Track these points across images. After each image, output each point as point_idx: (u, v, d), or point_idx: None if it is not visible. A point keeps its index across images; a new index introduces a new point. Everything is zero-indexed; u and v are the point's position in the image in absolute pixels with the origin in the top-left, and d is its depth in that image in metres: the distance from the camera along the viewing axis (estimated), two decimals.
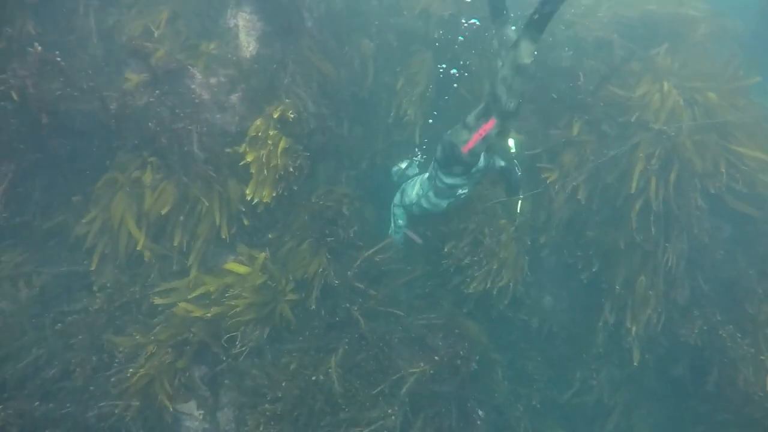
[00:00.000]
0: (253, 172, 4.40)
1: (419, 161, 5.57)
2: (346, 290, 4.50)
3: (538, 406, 5.18)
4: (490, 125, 4.19)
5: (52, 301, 4.30)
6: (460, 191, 4.79)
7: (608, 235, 5.16)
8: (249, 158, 4.37)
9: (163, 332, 4.22)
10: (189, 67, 4.64)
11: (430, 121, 5.83)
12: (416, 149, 5.65)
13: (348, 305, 4.44)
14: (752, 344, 4.71)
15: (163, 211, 4.29)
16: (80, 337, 4.18)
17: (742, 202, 5.00)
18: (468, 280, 4.84)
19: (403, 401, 4.13)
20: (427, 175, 4.94)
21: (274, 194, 4.42)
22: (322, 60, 5.20)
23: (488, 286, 4.79)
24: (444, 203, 4.90)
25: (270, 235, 4.63)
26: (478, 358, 4.60)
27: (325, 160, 5.33)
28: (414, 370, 4.21)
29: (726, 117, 5.05)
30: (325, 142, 5.15)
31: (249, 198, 4.38)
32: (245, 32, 5.01)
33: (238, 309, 4.17)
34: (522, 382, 5.36)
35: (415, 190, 5.02)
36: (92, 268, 4.29)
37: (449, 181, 4.64)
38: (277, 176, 4.40)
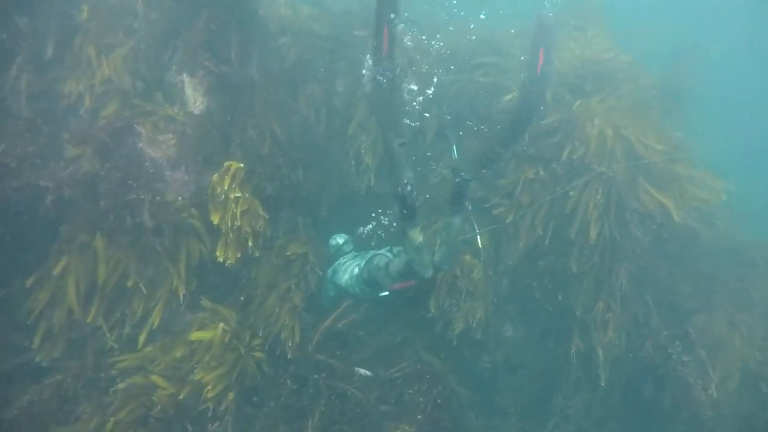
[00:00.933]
0: (223, 232, 4.32)
1: (357, 236, 5.68)
2: (310, 363, 4.48)
3: None
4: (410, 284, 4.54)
5: None
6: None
7: (562, 263, 5.43)
8: (214, 220, 4.25)
9: (122, 409, 3.93)
10: (135, 126, 4.48)
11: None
12: (360, 228, 5.75)
13: (315, 376, 4.42)
14: (696, 361, 5.09)
15: (111, 282, 4.06)
16: None
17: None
18: (452, 321, 4.98)
19: None
20: (356, 271, 4.99)
21: (239, 255, 4.31)
22: (273, 111, 5.19)
23: (469, 323, 4.95)
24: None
25: (241, 297, 4.50)
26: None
27: (284, 209, 5.28)
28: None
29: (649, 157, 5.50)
30: (282, 191, 5.10)
31: (220, 259, 4.33)
32: (191, 88, 4.92)
33: (208, 384, 3.99)
34: (498, 417, 5.45)
35: (344, 278, 5.07)
36: (34, 346, 3.97)
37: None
38: (241, 238, 4.30)
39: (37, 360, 3.99)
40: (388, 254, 4.91)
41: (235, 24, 4.93)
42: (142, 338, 4.21)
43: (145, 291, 4.13)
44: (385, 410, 4.68)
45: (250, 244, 4.36)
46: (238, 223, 4.24)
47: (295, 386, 4.41)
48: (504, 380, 5.75)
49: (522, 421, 5.54)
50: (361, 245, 5.65)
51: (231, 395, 4.09)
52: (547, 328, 5.84)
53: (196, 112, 4.85)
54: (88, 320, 4.04)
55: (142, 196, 4.16)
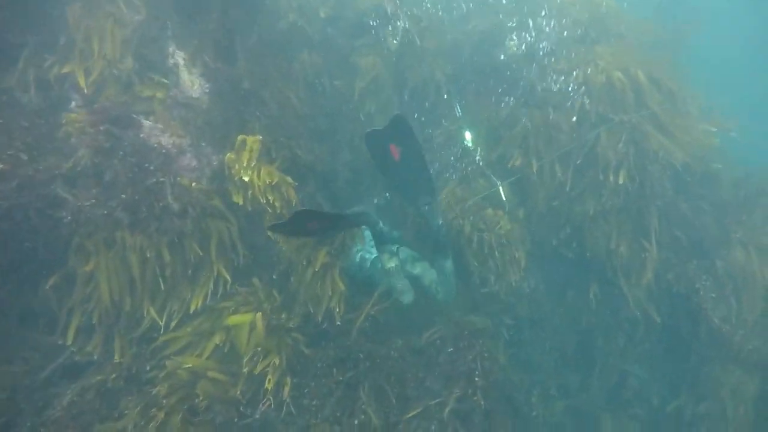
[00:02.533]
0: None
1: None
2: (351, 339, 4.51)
3: (553, 392, 5.44)
4: None
5: (25, 402, 3.78)
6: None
7: (583, 206, 5.54)
8: (238, 200, 4.19)
9: (171, 396, 3.89)
10: (133, 116, 4.28)
11: None
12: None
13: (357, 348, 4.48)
14: (721, 293, 5.31)
15: (147, 272, 3.95)
16: None
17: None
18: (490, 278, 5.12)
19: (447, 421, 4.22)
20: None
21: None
22: (286, 80, 5.03)
23: (510, 274, 5.13)
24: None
25: (274, 276, 4.42)
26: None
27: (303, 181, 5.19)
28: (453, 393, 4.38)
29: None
30: (299, 163, 5.00)
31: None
32: (187, 71, 4.74)
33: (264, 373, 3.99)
34: (532, 371, 5.59)
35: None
36: (69, 343, 3.88)
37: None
38: (276, 212, 4.22)
39: (76, 359, 3.87)
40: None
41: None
42: (174, 325, 4.13)
43: (180, 278, 4.00)
44: (426, 374, 4.74)
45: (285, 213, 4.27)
46: (270, 197, 4.12)
47: (340, 359, 4.40)
48: (529, 336, 5.87)
49: (558, 374, 5.66)
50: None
51: (288, 381, 4.09)
52: (567, 279, 5.96)
53: (195, 95, 4.66)
54: (126, 309, 3.92)
55: (162, 179, 4.00)
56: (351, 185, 5.80)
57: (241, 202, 4.24)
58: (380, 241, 4.92)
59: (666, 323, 5.45)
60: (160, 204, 3.97)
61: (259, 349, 4.07)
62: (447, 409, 4.33)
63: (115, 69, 4.35)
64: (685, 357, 5.57)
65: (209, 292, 4.18)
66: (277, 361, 4.04)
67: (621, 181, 5.23)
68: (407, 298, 4.61)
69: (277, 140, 4.78)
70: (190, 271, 4.11)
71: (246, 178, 4.20)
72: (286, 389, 4.05)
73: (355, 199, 5.70)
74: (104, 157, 4.08)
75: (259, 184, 4.20)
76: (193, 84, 4.75)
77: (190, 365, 3.97)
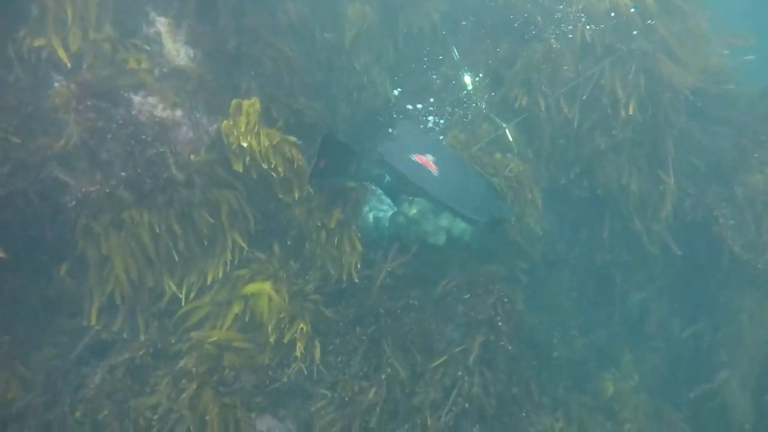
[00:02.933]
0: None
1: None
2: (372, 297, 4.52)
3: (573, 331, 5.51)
4: None
5: (61, 382, 3.83)
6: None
7: (593, 142, 5.43)
8: (238, 167, 4.13)
9: (200, 366, 3.96)
10: (121, 92, 4.08)
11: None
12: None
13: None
14: (741, 220, 5.29)
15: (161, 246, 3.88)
16: (106, 412, 3.78)
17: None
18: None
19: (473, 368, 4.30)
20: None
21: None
22: (265, 38, 4.81)
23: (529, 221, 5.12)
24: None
25: (288, 242, 4.39)
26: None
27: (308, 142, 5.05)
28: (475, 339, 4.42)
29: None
30: (298, 120, 4.85)
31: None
32: (171, 39, 4.47)
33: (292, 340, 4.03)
34: (550, 312, 5.66)
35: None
36: (92, 323, 3.88)
37: None
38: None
39: (103, 337, 3.93)
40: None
41: None
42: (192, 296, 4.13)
43: (195, 250, 3.95)
44: (447, 323, 4.78)
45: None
46: (272, 161, 4.01)
47: (361, 316, 4.44)
48: (546, 278, 5.88)
49: (577, 313, 5.75)
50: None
51: (317, 344, 4.14)
52: (580, 219, 5.92)
53: (182, 63, 4.45)
54: (146, 286, 3.93)
55: (161, 149, 3.88)
56: (351, 140, 5.64)
57: (240, 170, 4.11)
58: (392, 193, 4.81)
59: (685, 255, 5.44)
60: (164, 175, 3.86)
61: (282, 315, 4.06)
62: (472, 356, 4.38)
63: (95, 37, 4.11)
64: (704, 288, 5.61)
65: (227, 261, 4.13)
66: (304, 327, 4.04)
67: (631, 113, 5.09)
68: (440, 239, 4.47)
69: (276, 99, 4.62)
70: (205, 242, 4.04)
71: (245, 144, 4.05)
72: (317, 352, 4.10)
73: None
74: (97, 133, 3.93)
75: (259, 148, 4.06)
76: (178, 52, 4.51)
77: (215, 338, 3.97)
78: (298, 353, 4.00)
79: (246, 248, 4.23)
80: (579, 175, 5.58)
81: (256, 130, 4.15)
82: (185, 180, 3.91)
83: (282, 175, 4.18)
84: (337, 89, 5.71)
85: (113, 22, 4.23)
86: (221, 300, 4.22)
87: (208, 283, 4.13)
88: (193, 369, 3.92)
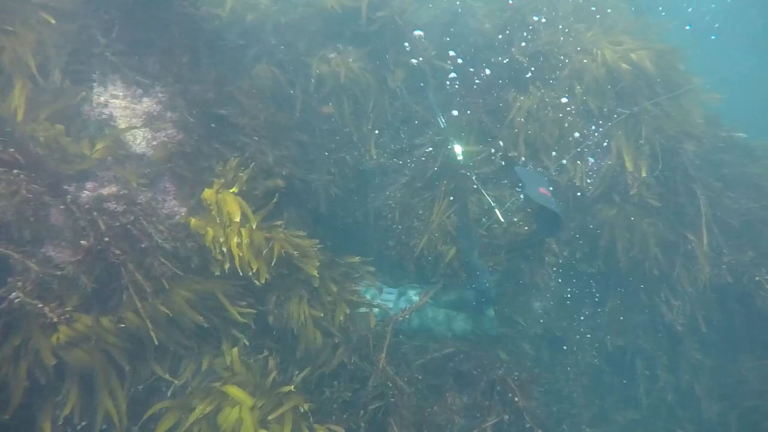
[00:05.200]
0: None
1: None
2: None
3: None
4: None
5: None
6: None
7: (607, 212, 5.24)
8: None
9: None
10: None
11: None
12: None
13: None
14: None
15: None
16: None
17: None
18: None
19: None
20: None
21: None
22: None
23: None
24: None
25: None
26: None
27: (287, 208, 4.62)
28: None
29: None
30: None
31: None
32: (126, 120, 3.89)
33: None
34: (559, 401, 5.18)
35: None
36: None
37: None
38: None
39: None
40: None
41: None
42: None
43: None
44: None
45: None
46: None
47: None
48: (550, 358, 5.53)
49: (589, 402, 5.33)
50: None
51: None
52: (580, 294, 5.56)
53: (141, 149, 3.82)
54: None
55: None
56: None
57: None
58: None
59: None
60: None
61: None
62: None
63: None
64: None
65: None
66: None
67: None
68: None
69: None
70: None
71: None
72: None
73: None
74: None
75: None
76: (135, 138, 3.86)
77: None
78: None
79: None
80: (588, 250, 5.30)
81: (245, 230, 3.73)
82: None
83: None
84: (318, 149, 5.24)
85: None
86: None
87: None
88: None
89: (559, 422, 5.13)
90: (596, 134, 5.24)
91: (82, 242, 3.33)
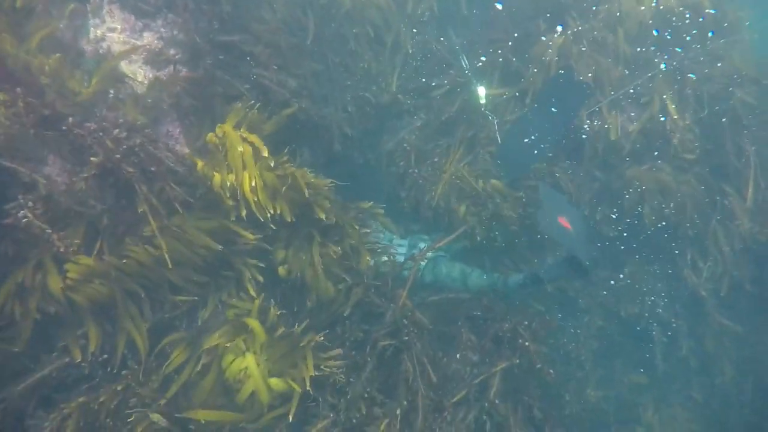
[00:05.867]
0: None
1: None
2: None
3: None
4: None
5: None
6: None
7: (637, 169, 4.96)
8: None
9: None
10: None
11: None
12: None
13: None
14: None
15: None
16: None
17: None
18: None
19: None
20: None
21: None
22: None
23: None
24: None
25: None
26: None
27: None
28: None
29: None
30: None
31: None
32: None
33: None
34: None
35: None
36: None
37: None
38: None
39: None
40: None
41: None
42: None
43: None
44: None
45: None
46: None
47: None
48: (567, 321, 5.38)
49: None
50: None
51: None
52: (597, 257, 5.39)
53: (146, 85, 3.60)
54: None
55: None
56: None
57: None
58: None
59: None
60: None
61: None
62: None
63: None
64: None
65: None
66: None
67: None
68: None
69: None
70: None
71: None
72: None
73: None
74: None
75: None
76: (136, 75, 3.64)
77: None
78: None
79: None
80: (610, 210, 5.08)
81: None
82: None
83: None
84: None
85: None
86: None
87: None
88: None
89: (564, 383, 5.08)
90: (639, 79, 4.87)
91: (92, 159, 3.17)
